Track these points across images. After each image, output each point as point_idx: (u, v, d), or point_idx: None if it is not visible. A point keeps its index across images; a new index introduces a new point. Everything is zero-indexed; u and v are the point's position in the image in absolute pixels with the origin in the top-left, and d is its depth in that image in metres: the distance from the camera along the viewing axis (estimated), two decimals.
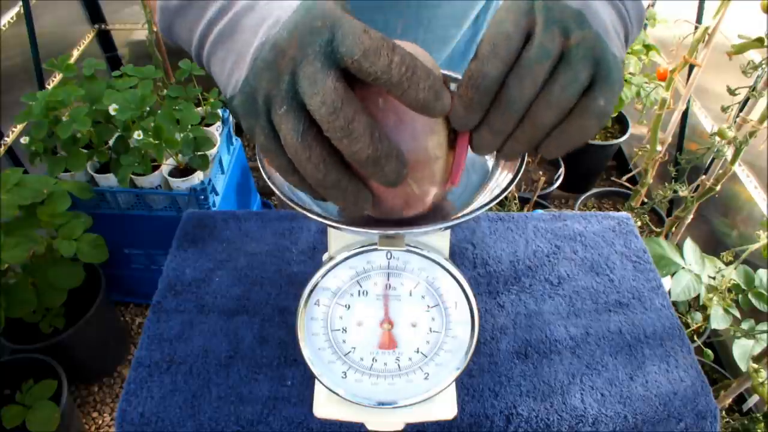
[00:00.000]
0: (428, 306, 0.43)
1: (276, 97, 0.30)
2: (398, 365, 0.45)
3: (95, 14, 1.97)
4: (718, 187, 1.15)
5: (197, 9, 0.34)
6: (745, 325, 1.03)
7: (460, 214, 0.37)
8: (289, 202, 0.37)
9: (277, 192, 0.37)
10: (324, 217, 0.36)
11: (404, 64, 0.29)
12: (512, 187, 0.38)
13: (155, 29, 1.68)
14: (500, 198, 0.37)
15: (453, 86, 0.34)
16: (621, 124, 1.98)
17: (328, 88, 0.28)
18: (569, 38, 0.30)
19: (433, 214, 0.39)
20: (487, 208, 0.37)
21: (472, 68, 0.31)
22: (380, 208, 0.36)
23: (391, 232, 0.37)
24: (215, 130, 1.47)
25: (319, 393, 0.49)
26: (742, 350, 0.99)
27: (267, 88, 0.30)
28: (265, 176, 0.38)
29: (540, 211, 1.14)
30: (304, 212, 0.36)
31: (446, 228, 0.38)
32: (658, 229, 1.41)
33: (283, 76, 0.29)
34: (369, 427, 0.49)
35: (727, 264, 1.07)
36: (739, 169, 1.39)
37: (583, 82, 0.30)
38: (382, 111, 0.33)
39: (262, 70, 0.30)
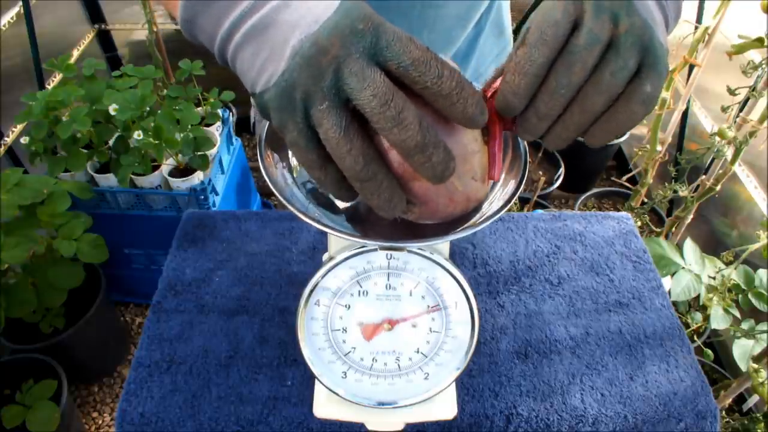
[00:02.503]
0: (428, 306, 0.43)
1: (317, 94, 0.30)
2: (398, 365, 0.45)
3: (95, 14, 1.97)
4: (718, 187, 1.15)
5: (226, 2, 0.34)
6: (745, 325, 1.03)
7: (462, 227, 0.37)
8: (289, 206, 0.37)
9: (278, 195, 0.37)
10: (322, 224, 0.36)
11: (454, 78, 0.30)
12: (515, 198, 0.39)
13: (155, 29, 1.68)
14: (503, 212, 0.37)
15: (477, 86, 0.35)
16: None
17: (378, 81, 0.29)
18: (618, 26, 0.31)
19: (437, 224, 0.39)
20: (490, 222, 0.37)
21: (519, 54, 0.31)
22: (426, 209, 0.36)
23: (389, 244, 0.37)
24: (215, 130, 1.47)
25: (319, 393, 0.49)
26: (742, 350, 0.99)
27: (306, 84, 0.30)
28: (266, 177, 0.38)
29: (540, 211, 1.14)
30: (303, 217, 0.36)
31: (448, 240, 0.38)
32: (658, 229, 1.41)
33: (326, 73, 0.30)
34: (369, 427, 0.49)
35: (727, 264, 1.07)
36: (739, 169, 1.39)
37: (631, 69, 0.31)
38: None
39: (302, 67, 0.30)
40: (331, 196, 0.41)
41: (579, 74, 0.31)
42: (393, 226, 0.40)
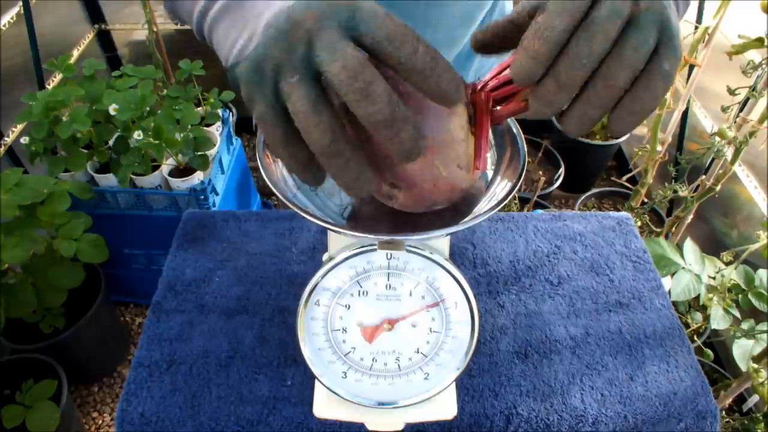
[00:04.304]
0: (428, 306, 0.43)
1: (287, 66, 0.30)
2: (398, 365, 0.45)
3: (95, 14, 1.97)
4: (718, 187, 1.15)
5: None
6: (745, 325, 1.03)
7: (463, 220, 0.37)
8: (290, 204, 0.37)
9: (277, 194, 0.37)
10: (323, 220, 0.36)
11: (429, 53, 0.30)
12: (514, 192, 0.39)
13: (155, 29, 1.68)
14: (501, 205, 0.37)
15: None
16: None
17: (349, 54, 0.29)
18: (639, 3, 0.31)
19: (435, 220, 0.39)
20: (488, 215, 0.37)
21: (539, 21, 0.31)
22: (410, 194, 0.36)
23: (389, 237, 0.37)
24: (215, 130, 1.47)
25: (319, 393, 0.49)
26: (742, 350, 0.99)
27: (278, 57, 0.30)
28: (264, 176, 0.38)
29: (540, 211, 1.14)
30: (304, 214, 0.36)
31: (447, 235, 0.38)
32: (658, 229, 1.41)
33: (298, 45, 0.30)
34: (369, 427, 0.49)
35: (727, 264, 1.07)
36: (739, 169, 1.39)
37: (651, 46, 0.31)
38: (402, 93, 0.33)
39: (275, 39, 0.30)
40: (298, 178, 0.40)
41: (600, 44, 0.30)
42: (392, 222, 0.40)
